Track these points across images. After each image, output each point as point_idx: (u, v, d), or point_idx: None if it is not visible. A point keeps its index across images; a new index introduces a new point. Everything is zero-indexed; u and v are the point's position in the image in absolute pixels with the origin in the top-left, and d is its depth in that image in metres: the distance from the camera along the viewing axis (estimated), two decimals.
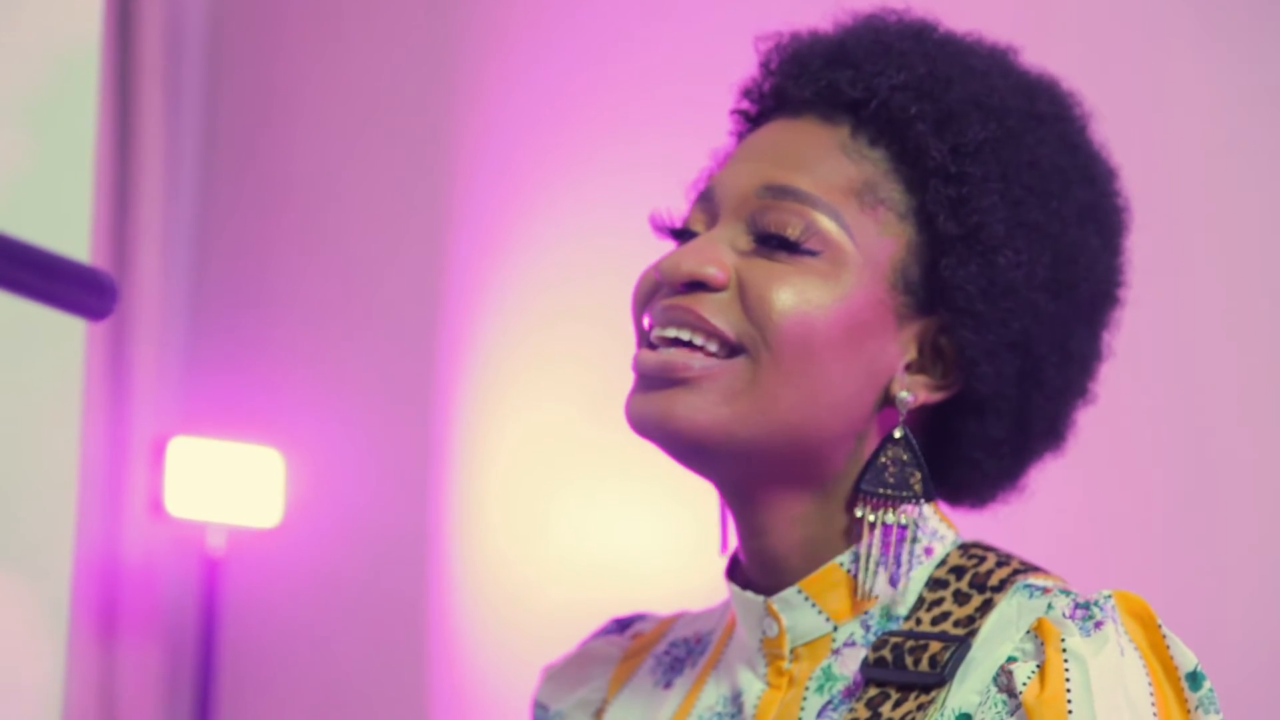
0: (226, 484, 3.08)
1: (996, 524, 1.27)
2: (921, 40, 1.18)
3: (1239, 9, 2.47)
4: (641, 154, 2.90)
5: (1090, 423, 1.24)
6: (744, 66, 1.26)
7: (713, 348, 1.11)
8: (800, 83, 1.17)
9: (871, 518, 1.12)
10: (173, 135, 3.32)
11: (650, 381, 1.13)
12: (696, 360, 1.11)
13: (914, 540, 1.14)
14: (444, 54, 3.21)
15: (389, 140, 3.25)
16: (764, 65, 1.22)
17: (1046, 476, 1.23)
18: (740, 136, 1.25)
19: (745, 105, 1.24)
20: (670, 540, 2.79)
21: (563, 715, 1.32)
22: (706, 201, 1.17)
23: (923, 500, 1.13)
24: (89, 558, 3.07)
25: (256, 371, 3.30)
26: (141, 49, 3.22)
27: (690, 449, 1.12)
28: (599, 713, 1.29)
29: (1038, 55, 1.23)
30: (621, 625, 1.34)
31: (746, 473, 1.14)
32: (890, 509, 1.13)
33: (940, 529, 1.16)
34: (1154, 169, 2.43)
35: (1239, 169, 2.43)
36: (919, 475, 1.13)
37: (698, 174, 1.26)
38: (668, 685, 1.26)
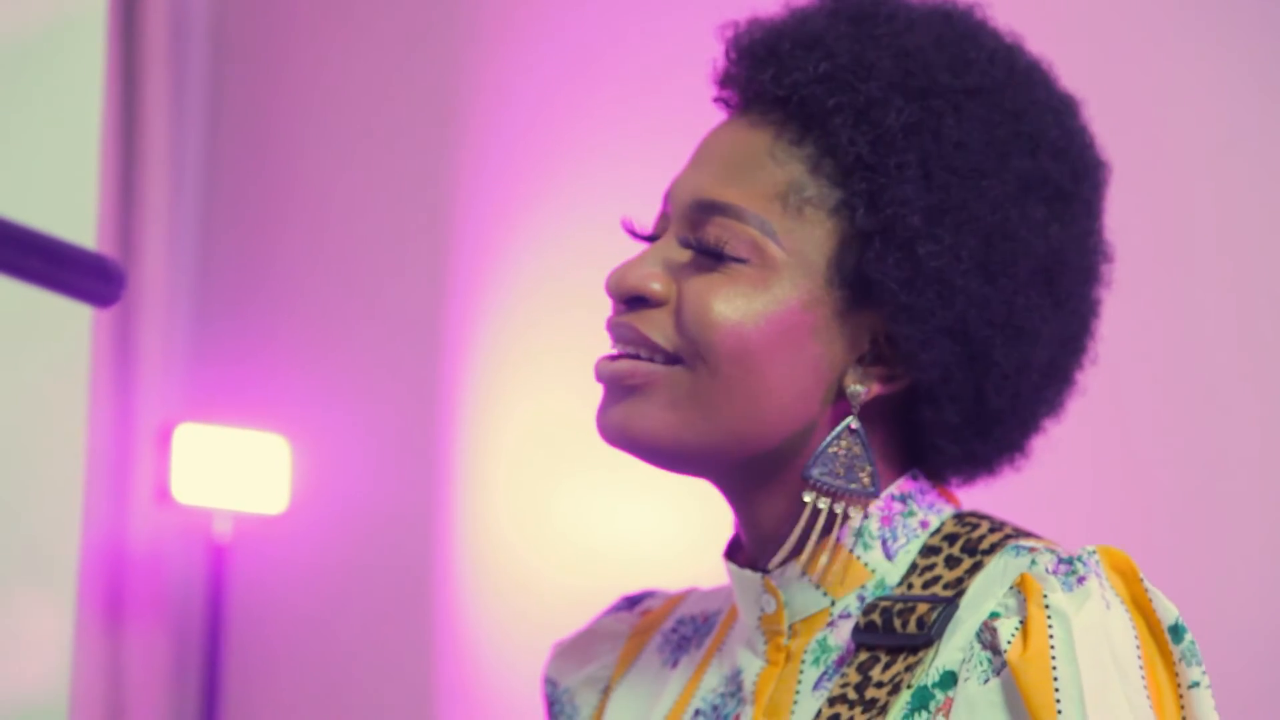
0: (233, 471, 3.08)
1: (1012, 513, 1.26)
2: (856, 25, 1.15)
3: (1243, 5, 2.46)
4: (645, 147, 2.89)
5: (1096, 415, 1.23)
6: None
7: (655, 358, 1.14)
8: (740, 82, 1.18)
9: (820, 504, 1.12)
10: (178, 122, 3.32)
11: (609, 393, 1.16)
12: (640, 367, 1.13)
13: (910, 514, 1.15)
14: (449, 45, 3.20)
15: (395, 129, 3.25)
16: (725, 55, 1.21)
17: (1053, 470, 1.22)
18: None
19: (719, 94, 1.23)
20: (675, 526, 2.79)
21: (571, 691, 1.32)
22: (666, 207, 1.19)
23: (870, 496, 1.13)
24: (96, 544, 3.08)
25: (262, 358, 3.31)
26: (147, 37, 3.22)
27: (649, 453, 1.15)
28: (606, 690, 1.30)
29: (1036, 51, 1.20)
30: (631, 602, 1.35)
31: (715, 473, 1.16)
32: (838, 499, 1.13)
33: (938, 503, 1.16)
34: (1160, 163, 2.43)
35: (1245, 162, 2.43)
36: (869, 470, 1.13)
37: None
38: (673, 664, 1.26)
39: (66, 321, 2.42)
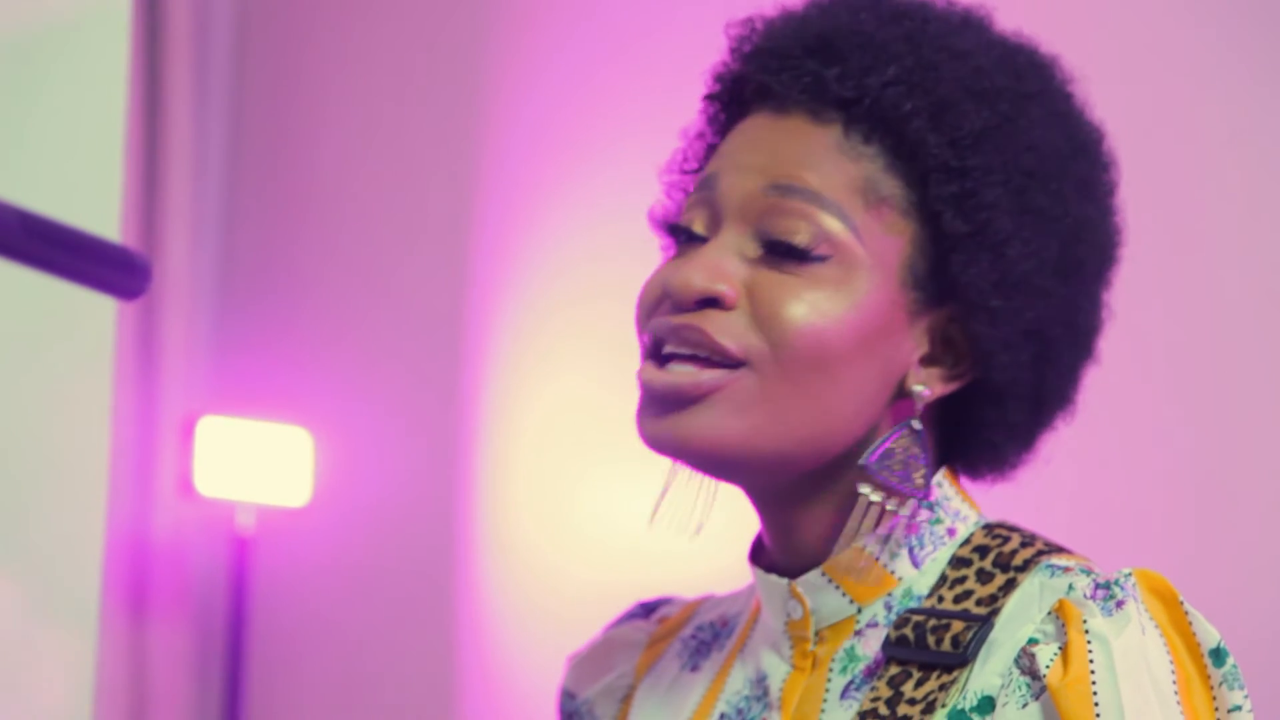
0: (256, 463, 3.09)
1: (1019, 512, 1.26)
2: (900, 22, 1.14)
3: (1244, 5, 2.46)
4: (667, 137, 2.89)
5: (1112, 406, 1.22)
6: None
7: (720, 361, 1.09)
8: (784, 78, 1.13)
9: (875, 497, 1.11)
10: (201, 116, 3.33)
11: (659, 402, 1.12)
12: (704, 376, 1.09)
13: (937, 521, 1.13)
14: (471, 37, 3.21)
15: (416, 119, 3.25)
16: (736, 50, 1.19)
17: (1069, 463, 1.22)
18: (712, 118, 1.23)
19: (718, 90, 1.21)
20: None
21: (590, 703, 1.31)
22: (706, 197, 1.14)
23: (922, 496, 1.12)
24: (119, 537, 3.09)
25: (285, 351, 3.31)
26: (170, 31, 3.23)
27: (713, 464, 1.11)
28: (626, 699, 1.29)
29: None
30: (647, 609, 1.34)
31: (770, 479, 1.13)
32: (890, 495, 1.11)
33: (963, 509, 1.15)
34: (1160, 161, 2.42)
35: (1247, 160, 2.42)
36: (923, 470, 1.12)
37: (670, 156, 1.25)
38: (694, 669, 1.25)
39: (90, 315, 2.43)
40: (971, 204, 1.10)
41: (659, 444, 1.12)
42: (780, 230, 1.09)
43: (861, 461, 1.11)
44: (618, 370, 3.17)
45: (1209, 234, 2.43)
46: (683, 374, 1.10)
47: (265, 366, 3.32)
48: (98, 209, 2.42)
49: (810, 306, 1.08)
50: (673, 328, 1.12)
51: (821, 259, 1.09)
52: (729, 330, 1.09)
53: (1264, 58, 2.42)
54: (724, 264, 1.11)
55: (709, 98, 1.22)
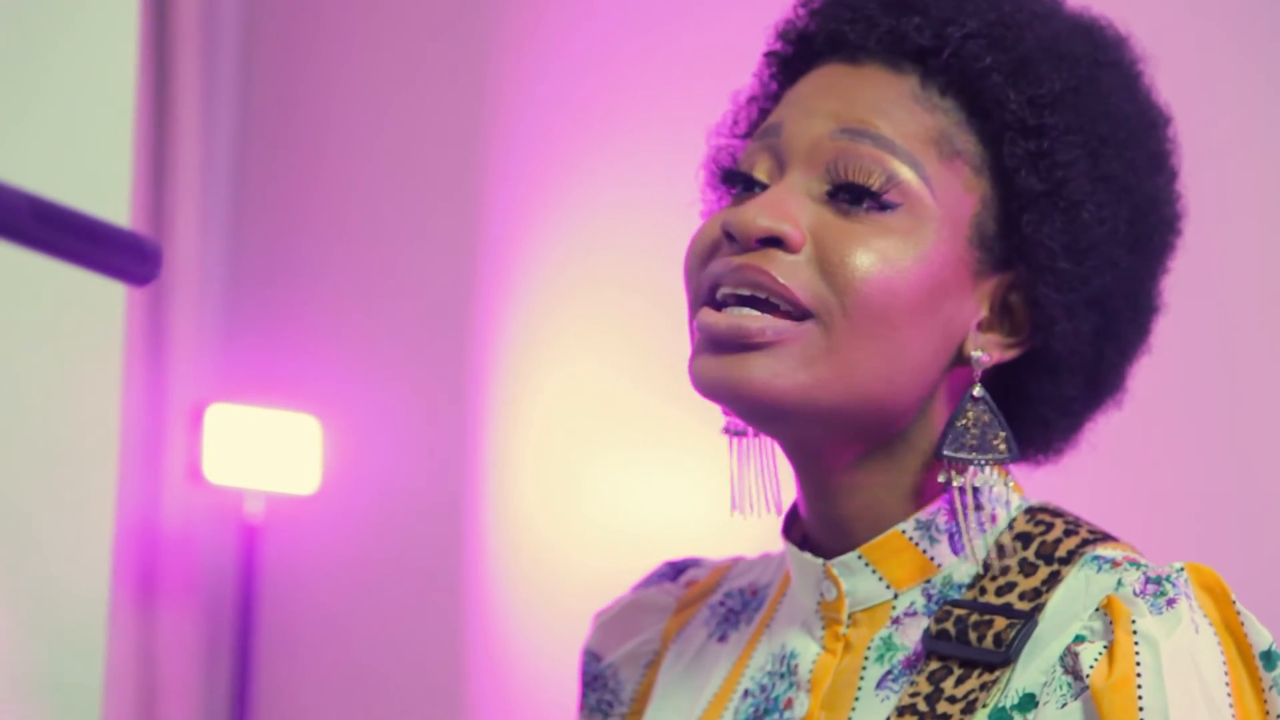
0: (264, 451, 3.09)
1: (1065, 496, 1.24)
2: None
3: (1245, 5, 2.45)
4: (676, 126, 2.89)
5: (1162, 395, 1.20)
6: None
7: (783, 308, 1.05)
8: (858, 27, 1.10)
9: (959, 481, 1.08)
10: (209, 104, 3.33)
11: (719, 344, 1.06)
12: (769, 323, 1.05)
13: (979, 508, 1.09)
14: (480, 22, 3.20)
15: (425, 107, 3.25)
16: (804, 5, 1.15)
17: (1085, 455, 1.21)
18: (768, 80, 1.18)
19: (781, 47, 1.17)
20: (705, 506, 2.79)
21: (615, 666, 1.29)
22: (769, 144, 1.10)
23: (1009, 460, 1.09)
24: (128, 524, 3.09)
25: (294, 339, 3.31)
26: (179, 19, 3.23)
27: (767, 414, 1.07)
28: (652, 665, 1.27)
29: None
30: (676, 570, 1.31)
31: (820, 436, 1.09)
32: (974, 472, 1.08)
33: (1005, 493, 1.12)
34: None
35: (1249, 159, 2.42)
36: (1003, 435, 1.08)
37: (719, 119, 1.20)
38: (722, 639, 1.23)
39: (99, 301, 2.43)
40: (1047, 163, 1.07)
41: (713, 387, 1.06)
42: (852, 172, 1.06)
43: (938, 453, 1.08)
44: (625, 357, 3.18)
45: (1215, 232, 2.43)
46: (747, 315, 1.06)
47: (274, 354, 3.32)
48: (107, 198, 2.42)
49: (879, 255, 1.05)
50: (733, 267, 1.07)
51: (892, 206, 1.06)
52: (795, 275, 1.05)
53: (1265, 58, 2.41)
54: (789, 204, 1.07)
55: (770, 54, 1.18)
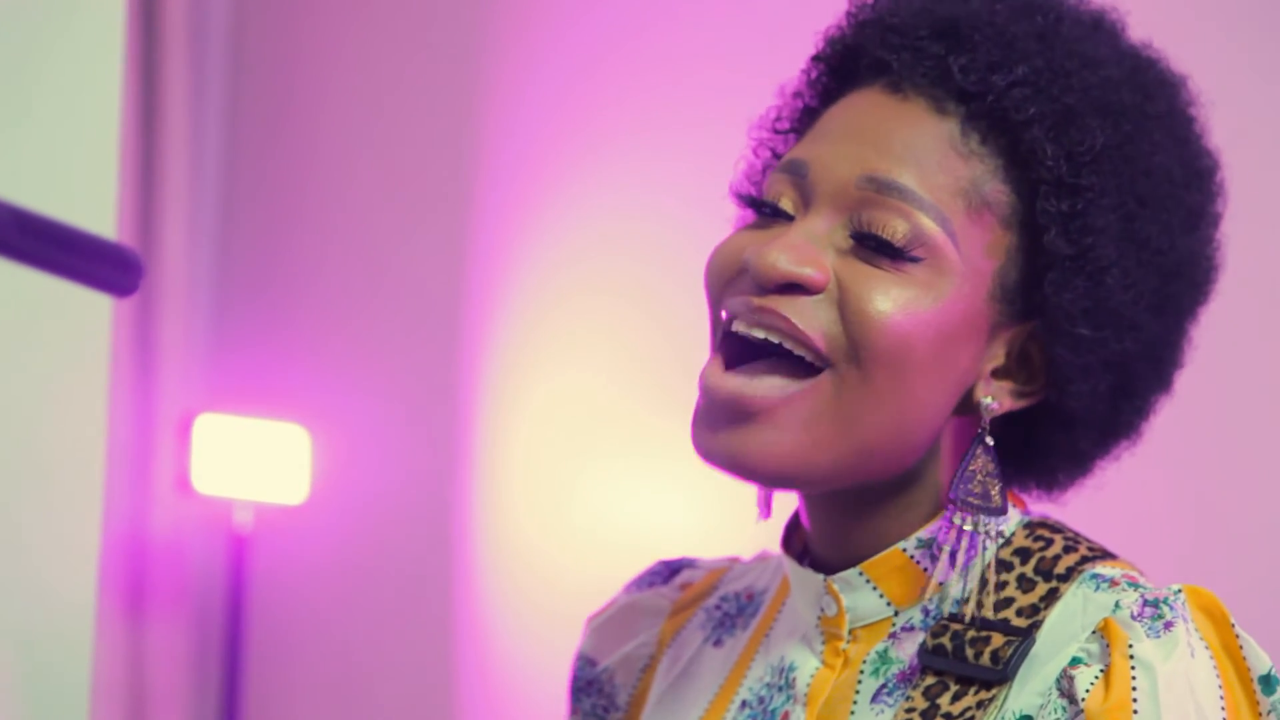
0: (253, 461, 3.09)
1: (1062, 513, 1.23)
2: (1033, 17, 1.09)
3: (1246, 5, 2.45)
4: (664, 135, 2.89)
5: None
6: (770, 51, 1.21)
7: (800, 354, 1.05)
8: (905, 58, 1.08)
9: (968, 526, 1.07)
10: (198, 112, 3.33)
11: (719, 413, 1.06)
12: (775, 390, 1.04)
13: (981, 536, 1.09)
14: (469, 29, 3.20)
15: (413, 117, 3.25)
16: (854, 17, 1.13)
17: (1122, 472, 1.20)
18: (814, 81, 1.16)
19: (828, 54, 1.15)
20: (696, 515, 2.79)
21: (610, 671, 1.28)
22: (797, 177, 1.09)
23: (999, 514, 1.08)
24: (117, 535, 3.09)
25: (282, 348, 3.31)
26: (166, 27, 3.23)
27: (768, 481, 1.08)
28: (647, 669, 1.26)
29: None
30: (670, 570, 1.30)
31: (824, 489, 1.09)
32: (976, 517, 1.08)
33: (1008, 508, 1.11)
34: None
35: (1259, 156, 2.42)
36: (999, 487, 1.08)
37: (763, 113, 1.18)
38: (717, 644, 1.22)
39: (86, 312, 2.42)
40: (1078, 225, 1.05)
41: (712, 459, 1.06)
42: (876, 226, 1.05)
43: (951, 496, 1.07)
44: (614, 367, 3.18)
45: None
46: (751, 385, 1.05)
47: (262, 364, 3.32)
48: (94, 207, 2.41)
49: (897, 303, 1.04)
50: (752, 308, 1.06)
51: (915, 260, 1.04)
52: (813, 319, 1.04)
53: (1266, 59, 2.42)
54: (813, 249, 1.05)
55: (817, 59, 1.16)
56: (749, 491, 1.17)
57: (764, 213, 1.10)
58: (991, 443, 1.08)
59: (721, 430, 1.05)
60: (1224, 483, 2.40)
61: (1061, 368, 1.07)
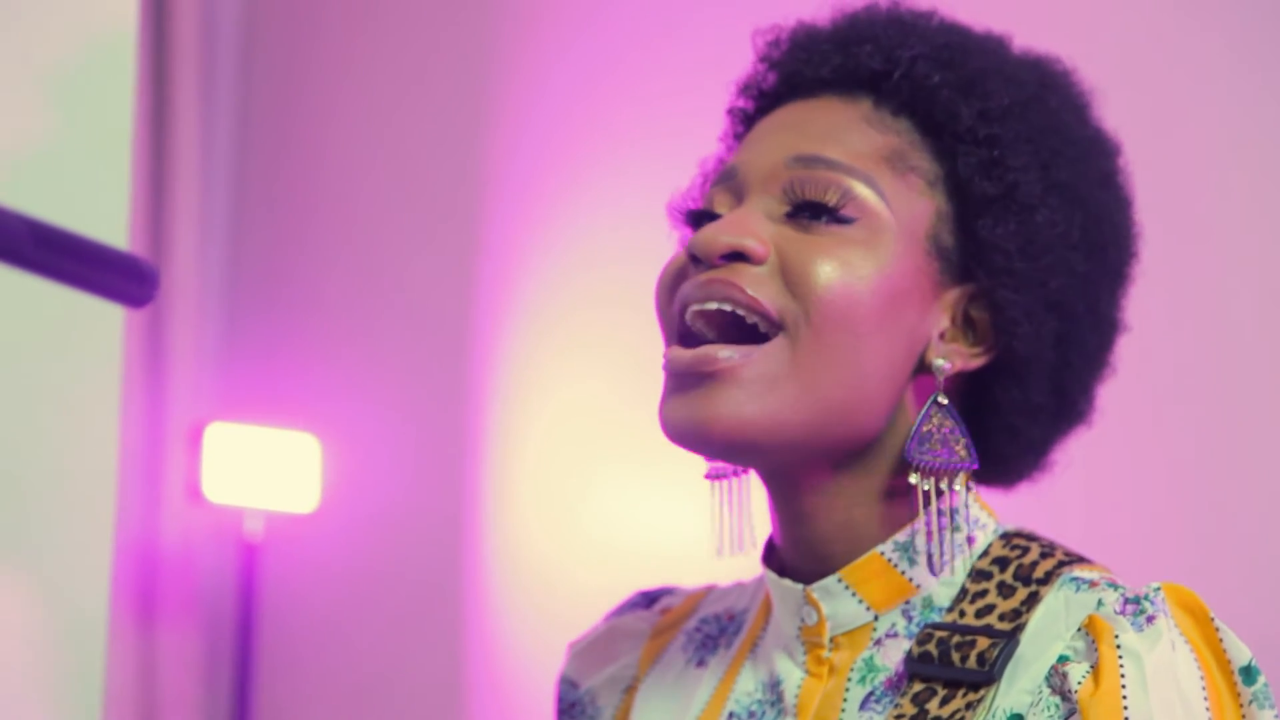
0: (264, 469, 3.09)
1: (1026, 520, 1.25)
2: (928, 18, 1.18)
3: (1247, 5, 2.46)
4: (673, 142, 2.89)
5: (1115, 412, 1.22)
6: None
7: (753, 321, 1.08)
8: (814, 64, 1.15)
9: (926, 486, 1.09)
10: (208, 123, 3.34)
11: (684, 380, 1.08)
12: (735, 351, 1.07)
13: (955, 529, 1.11)
14: (478, 39, 3.21)
15: (423, 127, 3.25)
16: (765, 58, 1.20)
17: (1076, 470, 1.22)
18: (734, 139, 1.23)
19: (744, 103, 1.22)
20: (705, 524, 2.79)
21: (593, 693, 1.30)
22: (728, 181, 1.14)
23: (970, 466, 1.10)
24: (128, 543, 3.09)
25: (293, 357, 3.32)
26: (177, 36, 3.23)
27: (738, 449, 1.09)
28: (630, 690, 1.28)
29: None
30: (649, 599, 1.33)
31: (792, 458, 1.11)
32: (941, 477, 1.10)
33: (981, 517, 1.14)
34: (1174, 161, 2.42)
35: (1251, 159, 2.42)
36: (963, 441, 1.11)
37: (686, 188, 1.23)
38: (700, 664, 1.24)
39: (98, 322, 2.43)
40: (999, 169, 1.11)
41: (679, 430, 1.08)
42: (809, 192, 1.09)
43: (907, 455, 1.10)
44: (624, 376, 3.18)
45: (1213, 238, 2.43)
46: (708, 347, 1.07)
47: (273, 373, 3.33)
48: (106, 217, 2.42)
49: (840, 264, 1.07)
50: (701, 283, 1.09)
51: (849, 220, 1.09)
52: (759, 284, 1.08)
53: (1267, 59, 2.42)
54: (751, 221, 1.10)
55: (733, 111, 1.22)
56: (759, 501, 1.18)
57: (701, 223, 1.15)
58: (945, 401, 1.10)
59: (686, 395, 1.08)
60: (1225, 484, 2.40)
61: (1006, 310, 1.11)
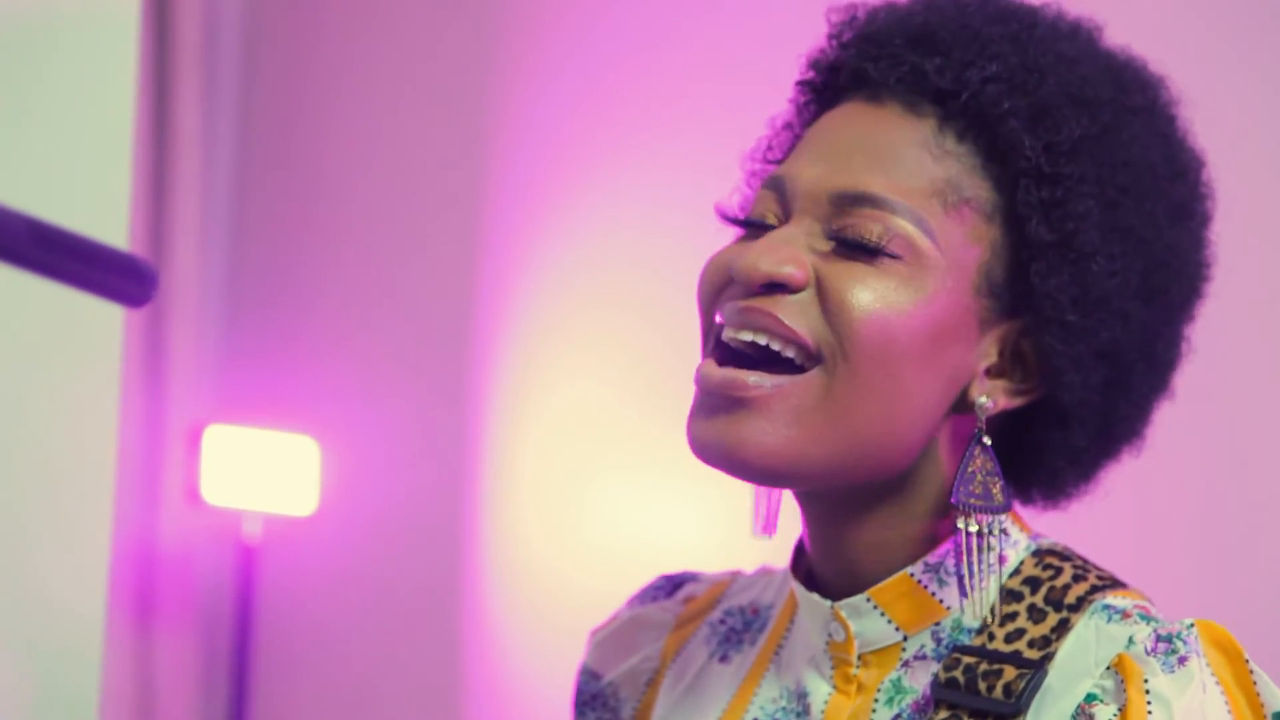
0: (262, 472, 3.09)
1: (1070, 530, 1.23)
2: (1008, 22, 1.11)
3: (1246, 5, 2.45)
4: (674, 145, 2.89)
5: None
6: (780, 64, 1.22)
7: (789, 354, 1.05)
8: (881, 65, 1.10)
9: (973, 527, 1.07)
10: (209, 123, 3.33)
11: (713, 401, 1.06)
12: (766, 380, 1.05)
13: (988, 549, 1.09)
14: (480, 41, 3.21)
15: (424, 127, 3.25)
16: (835, 38, 1.15)
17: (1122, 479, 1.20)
18: (802, 107, 1.18)
19: (812, 76, 1.17)
20: (705, 529, 2.79)
21: (615, 685, 1.28)
22: (776, 191, 1.10)
23: (1004, 509, 1.08)
24: (126, 545, 3.08)
25: (292, 360, 3.31)
26: (178, 37, 3.23)
27: (762, 477, 1.07)
28: (652, 683, 1.26)
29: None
30: (673, 585, 1.30)
31: (819, 486, 1.09)
32: (981, 518, 1.07)
33: (1014, 533, 1.12)
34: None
35: (1259, 158, 2.42)
36: (1000, 484, 1.08)
37: (754, 144, 1.20)
38: (724, 659, 1.22)
39: (97, 323, 2.43)
40: (1060, 213, 1.06)
41: (705, 449, 1.06)
42: (850, 230, 1.06)
43: (953, 499, 1.07)
44: (624, 379, 3.17)
45: (1213, 238, 2.43)
46: (741, 372, 1.05)
47: (272, 375, 3.32)
48: (105, 217, 2.42)
49: (877, 295, 1.04)
50: (739, 310, 1.07)
51: (893, 256, 1.05)
52: (798, 314, 1.05)
53: (1266, 59, 2.41)
54: (793, 249, 1.06)
55: (801, 84, 1.18)
56: (766, 507, 1.17)
57: (752, 228, 1.12)
58: (989, 442, 1.08)
59: (715, 418, 1.06)
60: (1226, 486, 2.40)
61: (1052, 359, 1.07)
